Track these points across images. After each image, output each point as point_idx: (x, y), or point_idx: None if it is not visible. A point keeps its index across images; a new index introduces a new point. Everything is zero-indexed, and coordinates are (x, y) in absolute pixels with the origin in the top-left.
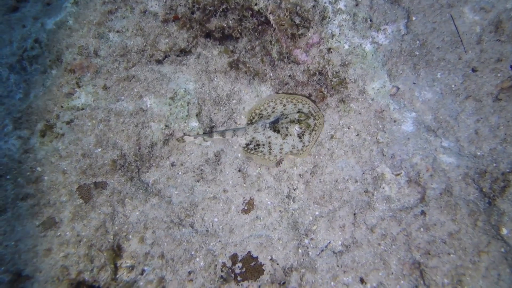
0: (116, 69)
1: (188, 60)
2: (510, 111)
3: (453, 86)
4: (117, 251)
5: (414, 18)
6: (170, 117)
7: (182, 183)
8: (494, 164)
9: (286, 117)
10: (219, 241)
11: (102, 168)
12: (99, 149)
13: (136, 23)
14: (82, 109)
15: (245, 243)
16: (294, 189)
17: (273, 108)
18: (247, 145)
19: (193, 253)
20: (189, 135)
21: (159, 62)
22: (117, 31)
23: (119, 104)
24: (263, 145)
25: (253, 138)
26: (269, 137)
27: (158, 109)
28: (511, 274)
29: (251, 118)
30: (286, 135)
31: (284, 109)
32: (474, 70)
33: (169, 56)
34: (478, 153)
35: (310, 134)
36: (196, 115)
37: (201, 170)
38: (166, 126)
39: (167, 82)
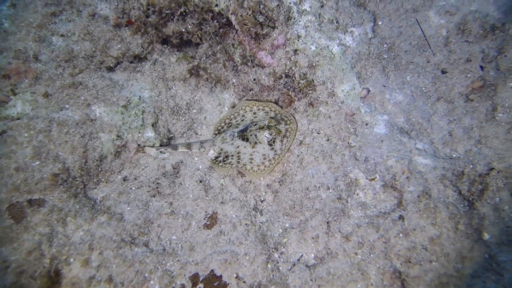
0: (60, 75)
1: (143, 67)
2: (482, 111)
3: (423, 88)
4: (54, 278)
5: (380, 22)
6: (122, 127)
7: (136, 199)
8: (471, 166)
9: (255, 124)
10: (178, 260)
11: (39, 184)
12: (37, 162)
13: (84, 27)
14: (18, 118)
15: (207, 260)
16: (262, 201)
17: (243, 116)
18: (216, 158)
19: (146, 275)
20: (150, 147)
21: (110, 69)
22: (62, 35)
23: (63, 113)
24: (232, 156)
25: (222, 149)
26: (238, 146)
27: (108, 119)
28: (497, 282)
29: (219, 128)
30: (256, 143)
31: (254, 117)
32: (443, 72)
33: (122, 62)
34: (454, 155)
35: (281, 141)
36: (152, 125)
37: (157, 184)
38: (117, 136)
39: (119, 90)
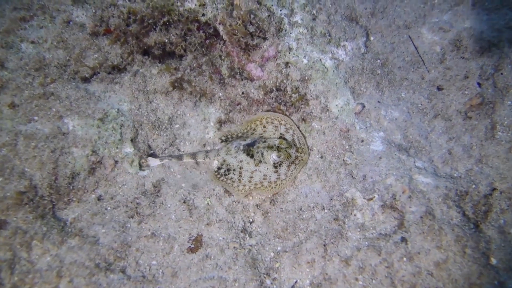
0: (29, 84)
1: (122, 78)
2: (482, 130)
3: (419, 105)
4: None
5: (372, 38)
6: (98, 142)
7: (112, 220)
8: (474, 186)
9: (264, 141)
10: (159, 287)
11: (1, 203)
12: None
13: (57, 34)
14: None
15: None
16: (250, 222)
17: (253, 129)
18: (219, 168)
19: None
20: (153, 157)
21: (86, 79)
22: (32, 42)
23: (31, 125)
24: (234, 170)
25: (224, 161)
26: (241, 161)
27: (83, 132)
28: None
29: (228, 136)
30: (260, 161)
31: (264, 132)
32: (439, 89)
33: (99, 73)
34: (455, 174)
35: (288, 166)
36: (131, 140)
37: (136, 203)
38: (92, 152)
39: (95, 102)
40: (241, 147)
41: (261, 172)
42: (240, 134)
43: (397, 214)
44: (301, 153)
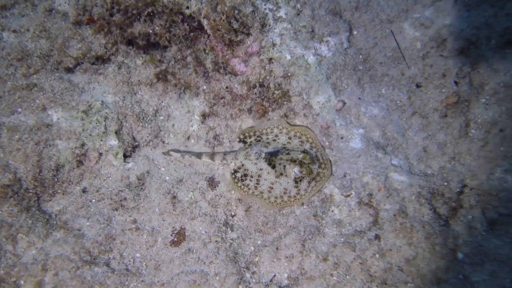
0: (12, 75)
1: (106, 69)
2: (456, 127)
3: (398, 102)
4: None
5: (355, 32)
6: (82, 134)
7: (96, 213)
8: (445, 183)
9: (288, 153)
10: (142, 280)
11: None
12: None
13: (40, 23)
14: None
15: (174, 281)
16: (232, 216)
17: (276, 136)
18: (235, 171)
19: None
20: (176, 151)
21: (69, 70)
22: (14, 31)
23: (15, 117)
24: (251, 177)
25: (243, 165)
26: (261, 169)
27: (67, 125)
28: None
29: (245, 137)
30: (281, 174)
31: (288, 143)
32: (418, 86)
33: (82, 63)
34: (429, 172)
35: (309, 182)
36: (116, 132)
37: (120, 196)
38: (77, 144)
39: (79, 93)
40: (263, 155)
41: (282, 185)
42: (259, 135)
43: (372, 211)
44: (323, 169)
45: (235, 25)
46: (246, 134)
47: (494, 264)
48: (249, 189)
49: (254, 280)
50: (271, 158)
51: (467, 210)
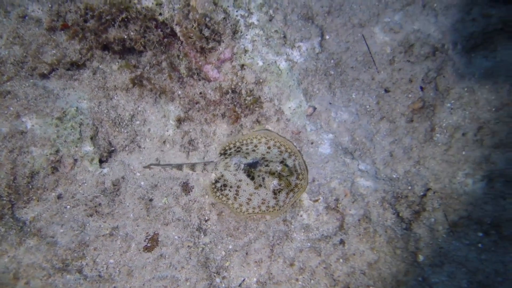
0: None
1: (81, 75)
2: (422, 132)
3: (367, 106)
4: None
5: (327, 37)
6: (57, 141)
7: (71, 219)
8: (409, 187)
9: (267, 165)
10: (114, 287)
11: None
12: None
13: (13, 30)
14: None
15: (146, 287)
16: (206, 220)
17: (255, 146)
18: (216, 182)
19: None
20: (158, 165)
21: (44, 76)
22: None
23: None
24: (231, 187)
25: (222, 176)
26: (240, 180)
27: (41, 131)
28: None
29: (227, 149)
30: (260, 185)
31: (267, 153)
32: (386, 91)
33: (57, 69)
34: (394, 176)
35: (287, 194)
36: (91, 138)
37: (95, 202)
38: (52, 151)
39: (53, 100)
40: (242, 166)
41: (260, 196)
42: (239, 145)
43: (339, 215)
44: (301, 179)
45: (206, 33)
46: (226, 147)
47: (452, 266)
48: (228, 199)
49: (223, 285)
50: (250, 170)
51: (430, 213)
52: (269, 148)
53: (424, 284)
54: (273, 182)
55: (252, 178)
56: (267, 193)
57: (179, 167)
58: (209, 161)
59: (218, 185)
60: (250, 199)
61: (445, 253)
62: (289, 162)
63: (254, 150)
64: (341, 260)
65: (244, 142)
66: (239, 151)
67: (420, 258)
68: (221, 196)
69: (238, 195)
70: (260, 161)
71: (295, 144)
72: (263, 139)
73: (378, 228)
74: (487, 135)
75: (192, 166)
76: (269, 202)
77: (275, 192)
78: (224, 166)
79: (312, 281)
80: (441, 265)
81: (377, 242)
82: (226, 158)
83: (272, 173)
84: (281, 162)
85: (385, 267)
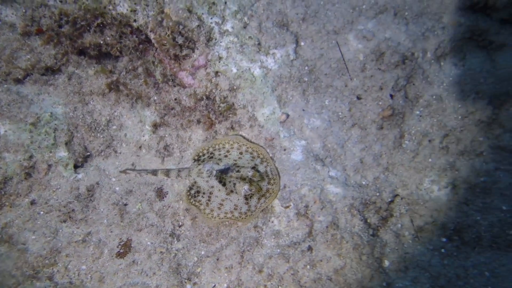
0: None
1: (57, 80)
2: (391, 139)
3: (340, 113)
4: None
5: (302, 43)
6: (30, 146)
7: (43, 225)
8: (378, 194)
9: (238, 171)
10: None
11: None
12: None
13: None
14: None
15: None
16: (180, 226)
17: (227, 152)
18: (190, 189)
19: None
20: (133, 170)
21: (18, 81)
22: None
23: None
24: (203, 193)
25: (195, 182)
26: (212, 187)
27: (15, 137)
28: None
29: (200, 155)
30: (232, 191)
31: (239, 158)
32: (358, 98)
33: (32, 74)
34: (363, 182)
35: (259, 199)
36: (66, 144)
37: (69, 208)
38: (25, 157)
39: (27, 105)
40: (214, 173)
41: (232, 202)
42: (211, 151)
43: (309, 221)
44: (272, 185)
45: (180, 40)
46: (200, 153)
47: (416, 271)
48: (201, 204)
49: None
50: (222, 176)
51: (397, 218)
52: (241, 153)
53: None
54: (244, 188)
55: (224, 184)
56: (238, 199)
57: (154, 172)
58: (183, 168)
59: (192, 191)
60: (222, 204)
61: (410, 258)
62: (261, 168)
63: (226, 156)
64: (308, 266)
65: (217, 147)
66: (212, 157)
67: (386, 263)
68: (194, 202)
69: (210, 200)
70: (231, 167)
71: (268, 150)
72: (235, 145)
73: (345, 234)
74: (452, 143)
75: (167, 172)
76: (241, 208)
77: (247, 198)
78: (197, 173)
79: (279, 287)
80: (405, 270)
81: (344, 249)
82: (199, 164)
83: (243, 179)
84: (253, 167)
85: (350, 273)
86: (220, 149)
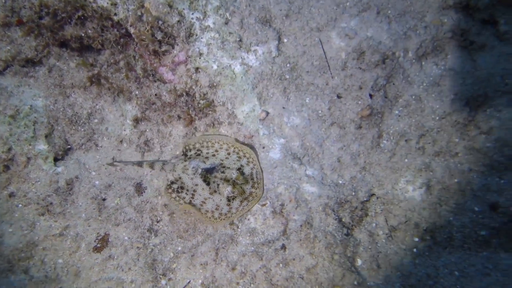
0: None
1: (37, 72)
2: (369, 139)
3: (319, 112)
4: None
5: (285, 40)
6: (9, 139)
7: (21, 218)
8: (353, 193)
9: (223, 171)
10: (60, 287)
11: None
12: None
13: None
14: None
15: None
16: (158, 221)
17: (216, 151)
18: (172, 183)
19: None
20: (120, 162)
21: None
22: None
23: None
24: (187, 190)
25: (180, 178)
26: (196, 185)
27: None
28: None
29: (187, 150)
30: (215, 191)
31: (226, 158)
32: (339, 97)
33: (12, 66)
34: (340, 182)
35: (241, 202)
36: (46, 136)
37: (47, 201)
38: (4, 149)
39: (6, 97)
40: (200, 171)
41: (214, 201)
42: (199, 148)
43: (284, 220)
44: (256, 188)
45: (159, 36)
46: (188, 147)
47: (388, 270)
48: (184, 200)
49: (168, 287)
50: (207, 175)
51: (372, 217)
52: (228, 154)
53: (359, 287)
54: (227, 189)
55: (208, 184)
56: (221, 199)
57: (140, 164)
58: (168, 161)
59: (175, 186)
60: (204, 203)
61: (383, 257)
62: (246, 170)
63: (214, 155)
64: (281, 265)
65: (205, 145)
66: (199, 154)
67: (359, 262)
68: (177, 197)
69: (193, 198)
70: (217, 167)
71: None
72: (224, 145)
73: (318, 233)
74: (429, 143)
75: (152, 164)
76: (222, 208)
77: (229, 199)
78: (182, 169)
79: (252, 285)
80: (377, 269)
81: (316, 248)
82: (185, 160)
83: (227, 180)
84: (239, 168)
85: (322, 272)
86: (209, 147)
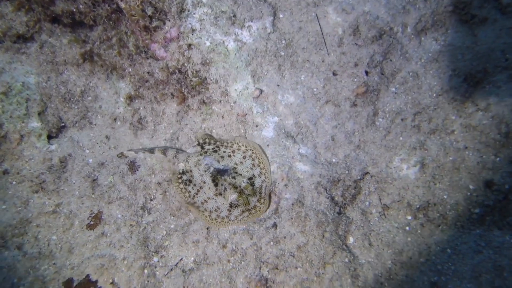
0: None
1: (29, 48)
2: (364, 117)
3: (315, 89)
4: None
5: (281, 15)
6: (2, 116)
7: (14, 195)
8: (347, 172)
9: (233, 177)
10: (54, 263)
11: None
12: None
13: None
14: None
15: (84, 264)
16: (151, 200)
17: (233, 152)
18: (182, 173)
19: (15, 281)
20: (130, 150)
21: None
22: None
23: None
24: (194, 185)
25: (191, 171)
26: (204, 182)
27: None
28: (352, 284)
29: (205, 143)
30: (220, 194)
31: (240, 162)
32: (334, 74)
33: (3, 42)
34: (333, 160)
35: (242, 211)
36: (39, 114)
37: (41, 179)
38: None
39: None
40: (211, 170)
41: (216, 203)
42: (218, 145)
43: (277, 198)
44: (261, 203)
45: (149, 11)
46: (207, 140)
47: (380, 247)
48: (190, 194)
49: (160, 264)
50: (217, 176)
51: (366, 196)
52: (244, 158)
53: (350, 264)
54: (232, 196)
55: (216, 185)
56: (223, 203)
57: (151, 150)
58: (182, 151)
59: (184, 178)
60: (206, 202)
61: (375, 235)
62: (257, 182)
63: (230, 156)
64: (271, 243)
65: (224, 144)
66: (216, 151)
67: (350, 240)
68: (184, 190)
69: (198, 194)
70: (230, 170)
71: (240, 126)
72: (242, 147)
73: (310, 212)
74: (424, 121)
75: (164, 151)
76: (221, 211)
77: (232, 206)
78: (195, 163)
79: (242, 262)
80: (369, 247)
81: (307, 226)
82: (200, 154)
83: (235, 187)
84: (250, 178)
85: (313, 250)
86: (226, 147)
